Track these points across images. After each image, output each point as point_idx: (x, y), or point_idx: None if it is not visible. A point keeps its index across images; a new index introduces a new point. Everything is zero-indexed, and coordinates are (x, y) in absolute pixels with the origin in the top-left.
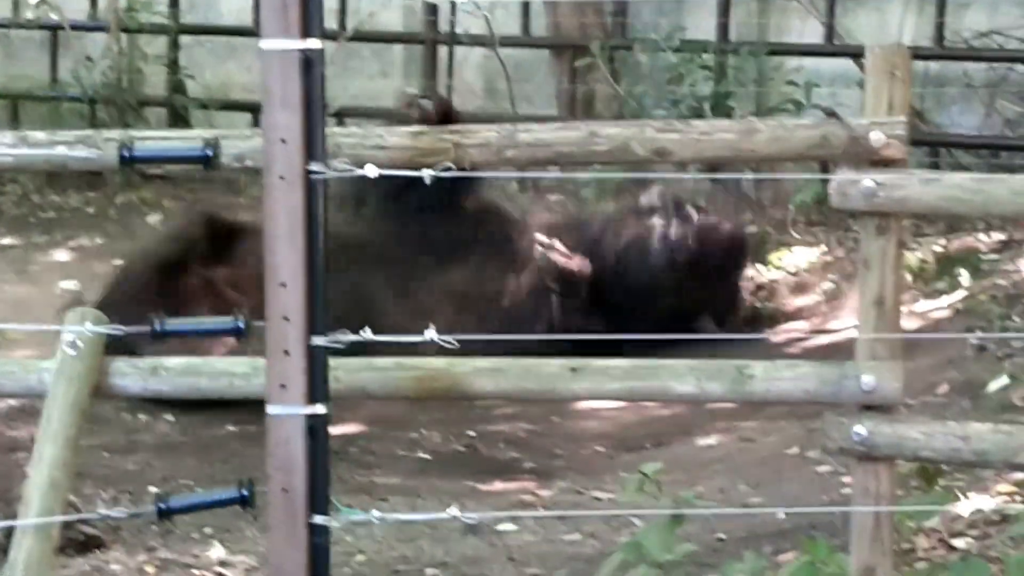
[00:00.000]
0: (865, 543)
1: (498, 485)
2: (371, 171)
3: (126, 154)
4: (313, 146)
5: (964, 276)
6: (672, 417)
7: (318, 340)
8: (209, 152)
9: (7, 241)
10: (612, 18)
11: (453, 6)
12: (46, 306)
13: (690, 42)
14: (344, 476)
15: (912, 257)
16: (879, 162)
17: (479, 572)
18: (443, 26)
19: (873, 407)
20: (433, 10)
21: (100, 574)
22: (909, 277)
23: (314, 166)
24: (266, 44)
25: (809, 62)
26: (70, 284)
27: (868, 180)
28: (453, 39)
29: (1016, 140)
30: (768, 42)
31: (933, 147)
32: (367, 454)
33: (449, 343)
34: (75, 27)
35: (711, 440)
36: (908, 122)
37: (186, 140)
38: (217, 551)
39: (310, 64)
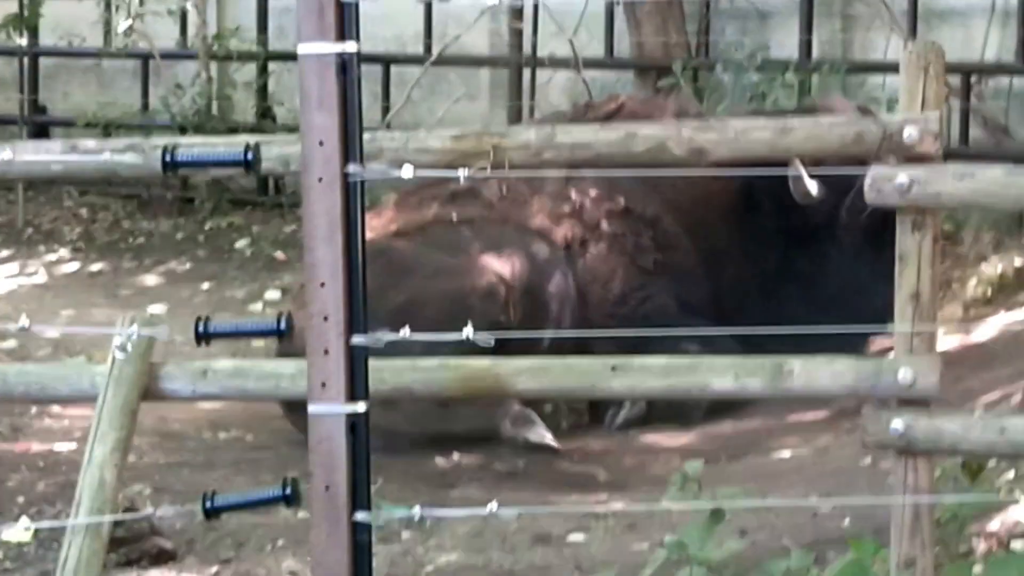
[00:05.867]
0: (905, 537)
1: (572, 497)
2: (407, 172)
3: (168, 159)
4: (350, 148)
5: None
6: (749, 431)
7: (358, 339)
8: (250, 156)
9: (98, 266)
10: (695, 37)
11: (536, 29)
12: None
13: (773, 61)
14: (422, 490)
15: (992, 270)
16: (914, 158)
17: None
18: (528, 49)
19: (912, 401)
20: (518, 33)
21: None
22: (989, 290)
23: (351, 167)
24: (303, 48)
25: (892, 79)
26: (158, 308)
27: (902, 176)
28: (537, 62)
29: None
30: (850, 59)
31: (1018, 161)
32: (444, 469)
33: (485, 341)
34: (165, 55)
35: (786, 452)
36: (941, 118)
37: (228, 145)
38: (289, 563)
39: (346, 67)
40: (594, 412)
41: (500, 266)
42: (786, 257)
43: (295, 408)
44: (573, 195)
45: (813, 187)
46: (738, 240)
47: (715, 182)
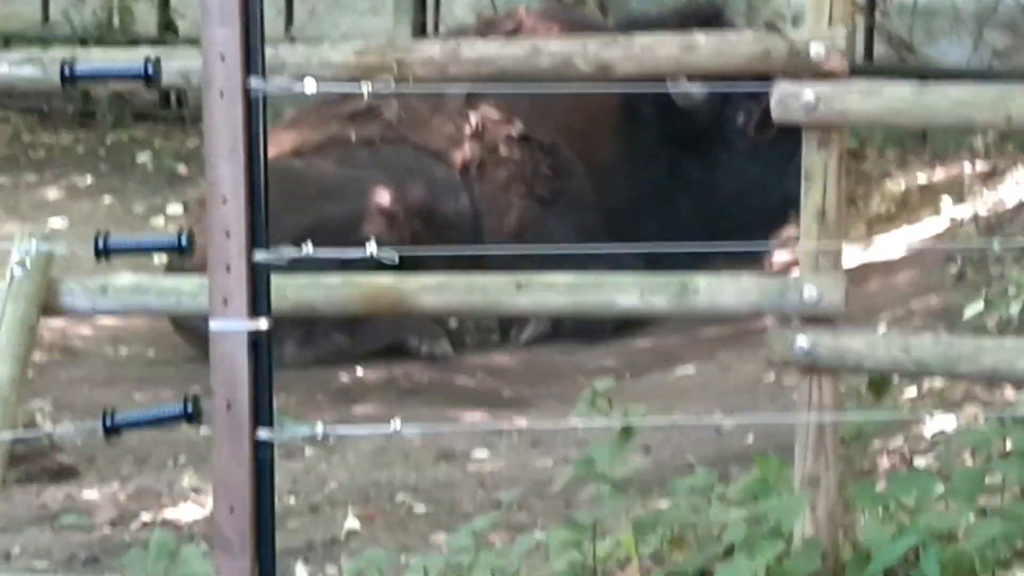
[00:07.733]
0: (809, 454)
1: (476, 414)
2: (310, 86)
3: (67, 72)
4: (252, 61)
5: (947, 204)
6: (655, 348)
7: (260, 255)
8: (150, 69)
9: None
10: None
11: None
12: None
13: None
14: (323, 406)
15: (896, 186)
16: (821, 75)
17: (448, 496)
18: None
19: (817, 319)
20: None
21: (74, 502)
22: (893, 207)
23: (253, 81)
24: None
25: None
26: (59, 222)
27: (808, 93)
28: None
29: (1004, 71)
30: None
31: (922, 78)
32: (348, 385)
33: (388, 258)
34: None
35: (690, 369)
36: (848, 34)
37: (128, 58)
38: (190, 480)
39: None
40: (504, 330)
41: (396, 189)
42: (677, 166)
43: (185, 324)
44: (473, 116)
45: (694, 88)
46: (628, 156)
47: (602, 100)
